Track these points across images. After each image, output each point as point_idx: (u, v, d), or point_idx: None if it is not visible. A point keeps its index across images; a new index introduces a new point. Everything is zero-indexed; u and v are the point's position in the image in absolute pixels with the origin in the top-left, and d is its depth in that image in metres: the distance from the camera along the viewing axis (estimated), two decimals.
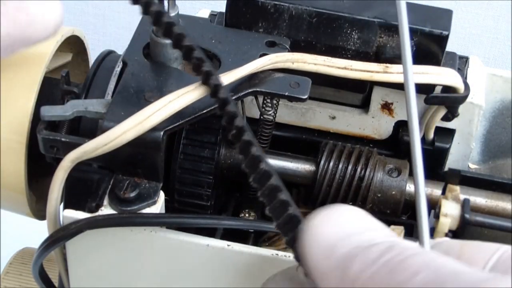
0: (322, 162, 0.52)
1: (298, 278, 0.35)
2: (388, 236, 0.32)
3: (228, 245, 0.45)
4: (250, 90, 0.47)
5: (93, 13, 1.19)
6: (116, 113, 0.44)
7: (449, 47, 0.53)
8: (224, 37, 0.51)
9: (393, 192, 0.51)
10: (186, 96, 0.44)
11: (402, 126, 0.56)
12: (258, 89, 0.47)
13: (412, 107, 0.35)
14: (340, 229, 0.32)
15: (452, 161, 0.56)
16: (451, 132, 0.55)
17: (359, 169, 0.52)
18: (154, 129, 0.43)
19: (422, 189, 0.35)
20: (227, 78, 0.45)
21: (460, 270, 0.28)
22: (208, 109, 0.45)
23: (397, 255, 0.30)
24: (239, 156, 0.37)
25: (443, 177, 0.53)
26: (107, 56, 0.54)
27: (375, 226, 0.32)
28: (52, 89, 0.54)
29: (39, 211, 0.55)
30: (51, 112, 0.46)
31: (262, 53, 0.49)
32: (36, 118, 0.50)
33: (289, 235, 0.35)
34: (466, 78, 0.54)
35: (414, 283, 0.28)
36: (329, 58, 0.49)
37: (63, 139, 0.46)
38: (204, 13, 0.57)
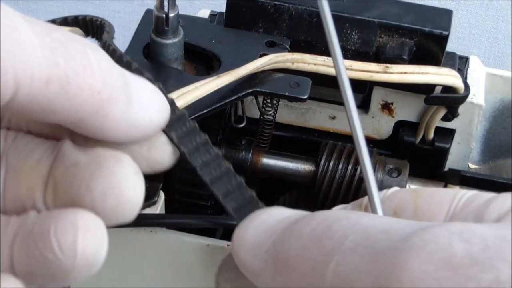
0: (322, 162, 0.52)
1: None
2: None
3: (228, 245, 0.45)
4: (250, 90, 0.47)
5: (93, 13, 1.19)
6: None
7: (449, 47, 0.53)
8: (224, 37, 0.51)
9: None
10: (186, 95, 0.44)
11: (402, 126, 0.56)
12: (258, 89, 0.47)
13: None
14: (264, 226, 0.32)
15: (452, 161, 0.56)
16: (451, 132, 0.55)
17: (359, 169, 0.52)
18: None
19: (364, 145, 0.34)
20: (227, 77, 0.45)
21: (388, 226, 0.28)
22: (208, 109, 0.45)
23: (319, 223, 0.29)
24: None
25: (443, 177, 0.53)
26: None
27: (300, 212, 0.32)
28: None
29: None
30: None
31: (262, 53, 0.49)
32: None
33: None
34: (466, 78, 0.54)
35: (344, 249, 0.28)
36: (329, 58, 0.49)
37: None
38: (204, 13, 0.57)
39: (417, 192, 0.33)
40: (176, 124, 0.35)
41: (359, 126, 0.34)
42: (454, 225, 0.26)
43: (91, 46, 0.29)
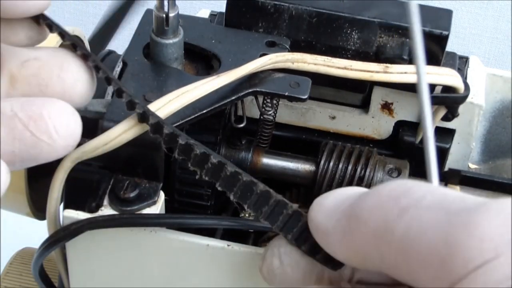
0: (322, 162, 0.52)
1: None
2: None
3: (228, 245, 0.45)
4: (250, 90, 0.47)
5: (93, 13, 1.19)
6: (116, 113, 0.44)
7: (449, 47, 0.53)
8: (224, 37, 0.51)
9: None
10: (186, 95, 0.44)
11: (402, 126, 0.56)
12: (258, 89, 0.47)
13: None
14: (343, 194, 0.32)
15: (452, 161, 0.56)
16: (451, 132, 0.55)
17: (359, 169, 0.52)
18: None
19: (430, 126, 0.34)
20: (227, 77, 0.45)
21: (465, 195, 0.28)
22: (208, 109, 0.45)
23: (398, 185, 0.30)
24: (212, 181, 0.38)
25: (443, 177, 0.53)
26: (107, 56, 0.54)
27: None
28: None
29: (39, 211, 0.55)
30: None
31: (262, 53, 0.49)
32: None
33: (291, 233, 0.35)
34: (466, 78, 0.54)
35: (420, 206, 0.28)
36: (329, 58, 0.49)
37: None
38: (204, 13, 0.57)
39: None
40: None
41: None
42: None
43: None
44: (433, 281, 0.27)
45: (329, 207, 0.32)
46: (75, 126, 0.35)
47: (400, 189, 0.30)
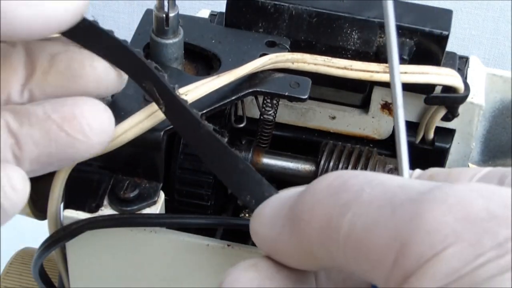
0: (322, 162, 0.52)
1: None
2: None
3: (228, 245, 0.45)
4: (250, 90, 0.47)
5: (93, 13, 1.19)
6: (116, 113, 0.44)
7: (449, 48, 0.53)
8: (224, 37, 0.51)
9: None
10: (186, 96, 0.43)
11: None
12: (258, 89, 0.47)
13: None
14: (280, 198, 0.32)
15: (452, 161, 0.56)
16: (451, 132, 0.55)
17: (359, 169, 0.52)
18: (154, 129, 0.43)
19: (402, 115, 0.34)
20: (227, 77, 0.45)
21: (406, 183, 0.28)
22: (208, 109, 0.45)
23: (335, 179, 0.29)
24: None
25: None
26: None
27: None
28: None
29: (39, 211, 0.55)
30: None
31: (262, 53, 0.49)
32: None
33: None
34: (466, 78, 0.54)
35: (362, 201, 0.27)
36: (329, 58, 0.49)
37: None
38: (204, 13, 0.57)
39: (450, 169, 0.33)
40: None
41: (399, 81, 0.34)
42: (475, 184, 0.27)
43: None
44: (386, 278, 0.26)
45: (270, 216, 0.31)
46: (109, 122, 0.36)
47: (337, 183, 0.29)
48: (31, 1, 0.32)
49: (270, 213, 0.32)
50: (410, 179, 0.29)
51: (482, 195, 0.26)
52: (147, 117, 0.42)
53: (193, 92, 0.44)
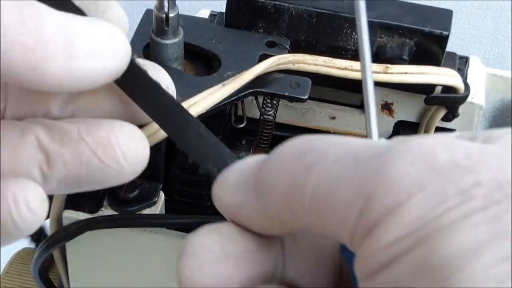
0: None
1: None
2: None
3: None
4: (250, 91, 0.47)
5: None
6: None
7: (449, 48, 0.53)
8: (224, 37, 0.51)
9: None
10: (195, 107, 0.43)
11: (402, 126, 0.56)
12: (258, 89, 0.47)
13: None
14: (245, 164, 0.31)
15: None
16: (451, 132, 0.55)
17: None
18: None
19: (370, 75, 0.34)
20: (232, 86, 0.45)
21: (370, 142, 0.27)
22: (209, 109, 0.45)
23: (300, 143, 0.29)
24: None
25: None
26: None
27: None
28: None
29: None
30: None
31: (262, 53, 0.49)
32: None
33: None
34: (466, 78, 0.54)
35: (326, 161, 0.27)
36: (330, 58, 0.49)
37: None
38: (204, 13, 0.57)
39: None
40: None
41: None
42: (440, 137, 0.26)
43: (25, 1, 0.29)
44: (351, 233, 0.26)
45: (235, 182, 0.30)
46: (143, 152, 0.33)
47: (302, 146, 0.28)
48: (67, 58, 0.30)
49: (234, 179, 0.31)
50: (370, 140, 0.29)
51: (446, 147, 0.25)
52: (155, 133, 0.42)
53: (200, 104, 0.43)
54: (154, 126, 0.40)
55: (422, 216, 0.24)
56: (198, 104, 0.43)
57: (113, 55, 0.32)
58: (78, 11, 0.32)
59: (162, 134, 0.41)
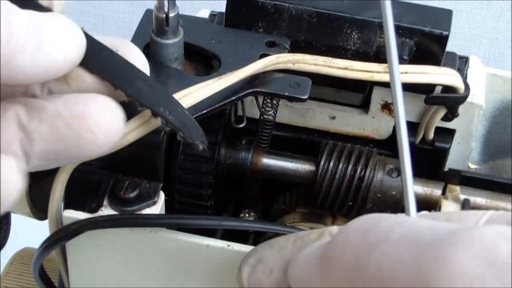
0: (322, 162, 0.52)
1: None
2: None
3: (228, 245, 0.45)
4: (250, 90, 0.47)
5: (93, 13, 1.20)
6: None
7: (449, 48, 0.53)
8: (224, 37, 0.51)
9: (393, 192, 0.51)
10: (187, 98, 0.43)
11: None
12: (258, 89, 0.47)
13: None
14: (314, 245, 0.33)
15: (452, 161, 0.56)
16: (451, 132, 0.55)
17: (359, 169, 0.52)
18: (154, 129, 0.43)
19: (407, 157, 0.34)
20: (228, 80, 0.45)
21: (434, 224, 0.28)
22: (209, 109, 0.45)
23: (366, 220, 0.30)
24: None
25: (443, 177, 0.53)
26: None
27: None
28: None
29: (39, 211, 0.55)
30: None
31: (262, 53, 0.49)
32: None
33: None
34: (466, 78, 0.54)
35: (390, 241, 0.28)
36: (330, 58, 0.49)
37: None
38: (204, 13, 0.57)
39: (449, 213, 0.34)
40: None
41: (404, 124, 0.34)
42: (500, 227, 0.27)
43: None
44: None
45: (304, 258, 0.32)
46: (118, 122, 0.35)
47: (368, 224, 0.29)
48: (32, 50, 0.32)
49: (304, 257, 0.32)
50: (436, 221, 0.29)
51: (508, 239, 0.26)
52: (147, 121, 0.42)
53: (194, 94, 0.44)
54: (146, 115, 0.40)
55: None
56: (191, 95, 0.43)
57: (73, 45, 0.34)
58: (42, 8, 0.34)
59: (154, 123, 0.42)
